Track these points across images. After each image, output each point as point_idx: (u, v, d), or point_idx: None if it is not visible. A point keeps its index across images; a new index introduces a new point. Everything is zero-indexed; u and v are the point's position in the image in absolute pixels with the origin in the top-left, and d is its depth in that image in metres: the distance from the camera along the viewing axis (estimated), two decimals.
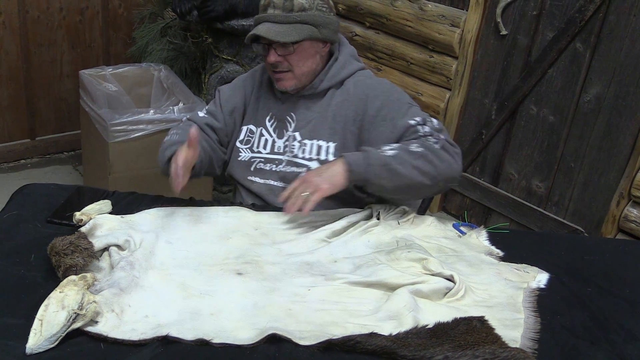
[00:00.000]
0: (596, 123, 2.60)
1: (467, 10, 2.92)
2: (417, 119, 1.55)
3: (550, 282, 1.35)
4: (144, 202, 1.50)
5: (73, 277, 1.14)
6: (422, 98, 3.14)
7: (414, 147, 1.46)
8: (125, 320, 1.10)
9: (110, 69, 2.84)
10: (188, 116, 1.74)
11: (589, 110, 2.61)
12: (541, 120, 2.79)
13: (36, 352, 1.01)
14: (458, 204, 3.25)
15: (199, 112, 1.72)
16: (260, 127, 1.68)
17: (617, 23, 2.45)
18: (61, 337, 1.03)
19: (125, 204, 1.48)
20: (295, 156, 1.62)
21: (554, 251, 1.50)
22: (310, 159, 1.61)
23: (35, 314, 1.07)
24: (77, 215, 1.37)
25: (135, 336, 1.06)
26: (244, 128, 1.69)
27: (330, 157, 1.59)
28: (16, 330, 1.05)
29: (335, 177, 1.43)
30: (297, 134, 1.63)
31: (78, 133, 3.06)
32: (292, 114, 1.65)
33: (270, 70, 1.61)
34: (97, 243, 1.27)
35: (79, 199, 1.47)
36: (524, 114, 2.85)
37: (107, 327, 1.08)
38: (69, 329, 1.04)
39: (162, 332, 1.07)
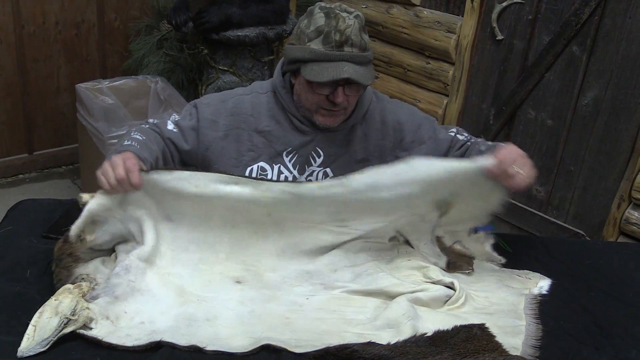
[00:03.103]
0: (595, 126, 2.59)
1: (462, 16, 2.92)
2: (453, 130, 1.63)
3: (552, 287, 1.34)
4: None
5: (69, 285, 1.15)
6: (420, 105, 3.13)
7: (490, 142, 1.55)
8: (120, 326, 1.10)
9: (107, 82, 2.83)
10: (156, 122, 1.54)
11: (587, 114, 2.60)
12: (539, 124, 2.78)
13: (27, 355, 1.02)
14: None
15: (167, 122, 1.52)
16: (278, 165, 1.53)
17: (613, 25, 2.45)
18: (52, 341, 1.04)
19: None
20: None
21: (555, 256, 1.49)
22: None
23: None
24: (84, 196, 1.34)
25: (129, 342, 1.06)
26: (254, 167, 1.52)
27: None
28: (12, 348, 1.04)
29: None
30: (328, 170, 1.55)
31: (76, 147, 3.05)
32: (318, 148, 1.54)
33: (319, 107, 1.46)
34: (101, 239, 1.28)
35: (76, 214, 1.45)
36: (522, 118, 2.84)
37: (102, 332, 1.08)
38: (61, 334, 1.05)
39: (156, 337, 1.07)
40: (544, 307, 1.27)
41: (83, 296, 1.13)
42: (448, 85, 3.03)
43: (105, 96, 2.72)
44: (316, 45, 1.39)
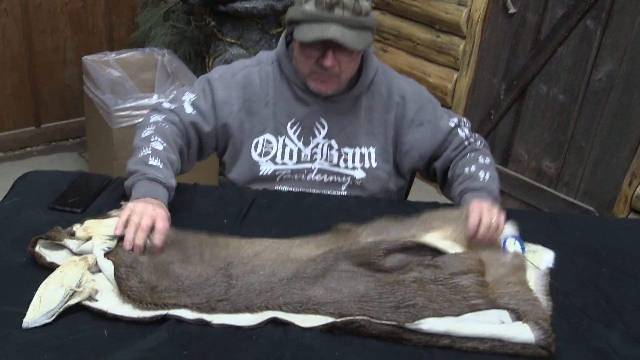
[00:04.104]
0: (607, 101, 2.55)
1: None
2: (455, 120, 1.59)
3: (562, 263, 1.32)
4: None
5: (75, 257, 1.14)
6: (430, 79, 3.09)
7: (482, 159, 1.52)
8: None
9: (114, 55, 2.81)
10: (173, 107, 1.49)
11: (600, 89, 2.56)
12: (551, 99, 2.74)
13: (32, 326, 1.02)
14: None
15: (184, 105, 1.49)
16: (283, 136, 1.52)
17: None
18: (57, 313, 1.04)
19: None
20: (336, 165, 1.54)
21: (566, 232, 1.47)
22: (354, 168, 1.54)
23: None
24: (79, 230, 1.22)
25: (135, 314, 1.06)
26: (260, 139, 1.52)
27: (374, 164, 1.55)
28: (18, 319, 1.03)
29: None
30: (332, 142, 1.53)
31: (83, 120, 3.04)
32: (322, 119, 1.52)
33: (311, 72, 1.44)
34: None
35: (82, 186, 1.45)
36: (533, 93, 2.81)
37: (108, 304, 1.07)
38: (66, 305, 1.04)
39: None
40: (554, 283, 1.26)
41: (89, 268, 1.12)
42: (458, 59, 2.99)
43: (112, 69, 2.70)
44: (309, 7, 1.37)
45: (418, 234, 1.29)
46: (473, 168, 1.48)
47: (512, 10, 2.76)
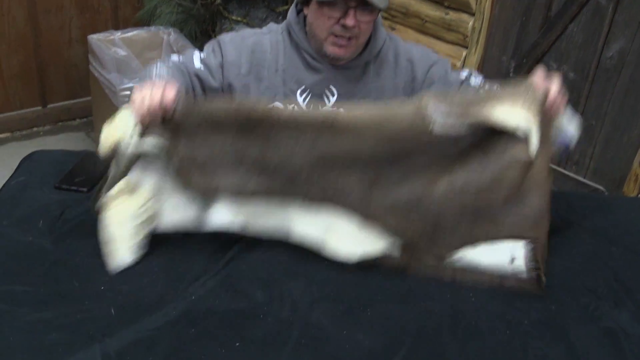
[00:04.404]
0: (619, 79, 2.51)
1: None
2: (464, 72, 1.57)
3: (571, 242, 1.31)
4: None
5: (117, 195, 1.15)
6: None
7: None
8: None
9: (119, 33, 2.79)
10: (181, 59, 1.49)
11: (611, 66, 2.53)
12: (561, 77, 2.70)
13: (120, 269, 1.11)
14: None
15: (194, 59, 1.49)
16: (292, 104, 1.49)
17: None
18: (136, 249, 1.13)
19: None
20: None
21: (577, 210, 1.45)
22: None
23: (45, 282, 1.07)
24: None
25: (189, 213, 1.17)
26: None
27: None
28: (26, 298, 1.04)
29: None
30: (342, 110, 1.55)
31: (90, 99, 3.03)
32: (332, 86, 1.51)
33: (329, 34, 1.42)
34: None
35: (88, 165, 1.45)
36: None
37: (170, 219, 1.16)
38: (138, 238, 1.13)
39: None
40: (564, 262, 1.25)
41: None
42: (467, 37, 2.94)
43: (117, 48, 2.68)
44: None
45: (486, 107, 1.18)
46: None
47: None
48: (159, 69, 1.41)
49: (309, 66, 1.50)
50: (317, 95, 1.51)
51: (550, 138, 1.24)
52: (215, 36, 2.79)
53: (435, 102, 1.16)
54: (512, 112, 1.16)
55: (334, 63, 1.49)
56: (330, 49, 1.44)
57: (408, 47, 1.58)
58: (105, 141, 1.16)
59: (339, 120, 1.18)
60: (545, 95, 1.22)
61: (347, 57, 1.46)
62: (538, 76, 1.27)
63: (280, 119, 1.18)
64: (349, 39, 1.42)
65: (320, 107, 1.50)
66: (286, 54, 1.51)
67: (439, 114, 1.14)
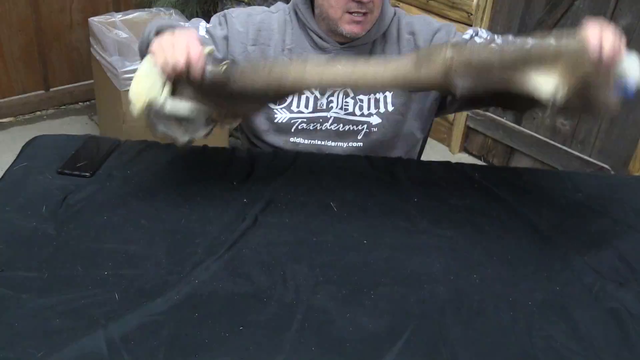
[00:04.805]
0: None
1: None
2: (469, 32, 1.51)
3: (575, 222, 1.30)
4: (156, 150, 1.46)
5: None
6: None
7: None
8: None
9: (120, 16, 2.77)
10: (187, 25, 1.46)
11: None
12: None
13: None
14: (480, 144, 3.18)
15: (200, 27, 1.46)
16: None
17: None
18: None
19: (135, 153, 1.44)
20: (352, 113, 1.51)
21: (582, 190, 1.44)
22: (370, 114, 1.52)
23: (48, 267, 1.07)
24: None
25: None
26: None
27: (390, 107, 1.51)
28: (29, 284, 1.04)
29: None
30: (348, 90, 1.51)
31: (92, 82, 3.02)
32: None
33: (345, 11, 1.39)
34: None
35: (90, 149, 1.44)
36: None
37: None
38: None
39: None
40: (567, 241, 1.24)
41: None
42: (472, 14, 2.91)
43: (118, 30, 2.67)
44: None
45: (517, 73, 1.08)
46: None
47: None
48: (168, 20, 1.37)
49: (316, 46, 1.49)
50: None
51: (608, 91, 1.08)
52: None
53: (460, 67, 1.08)
54: (548, 81, 1.05)
55: (346, 42, 1.47)
56: (347, 28, 1.42)
57: (410, 19, 1.55)
58: (137, 103, 1.11)
59: (363, 79, 1.15)
60: (596, 53, 1.05)
61: (363, 32, 1.45)
62: (590, 29, 1.09)
63: (310, 85, 1.20)
64: (365, 14, 1.40)
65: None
66: (294, 33, 1.50)
67: (462, 80, 1.07)
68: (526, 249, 1.23)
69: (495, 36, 1.50)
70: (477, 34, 1.52)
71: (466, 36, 1.52)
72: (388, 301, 1.07)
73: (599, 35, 1.07)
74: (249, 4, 2.67)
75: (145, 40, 1.36)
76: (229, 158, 1.46)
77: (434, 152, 3.03)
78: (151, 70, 1.12)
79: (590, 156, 2.72)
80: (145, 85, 1.11)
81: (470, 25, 2.93)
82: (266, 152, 1.51)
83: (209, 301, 1.03)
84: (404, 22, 1.54)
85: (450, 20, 3.00)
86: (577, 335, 1.02)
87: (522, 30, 2.79)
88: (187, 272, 1.09)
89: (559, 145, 2.82)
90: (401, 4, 3.18)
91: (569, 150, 2.79)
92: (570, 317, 1.06)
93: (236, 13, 1.52)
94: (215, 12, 2.80)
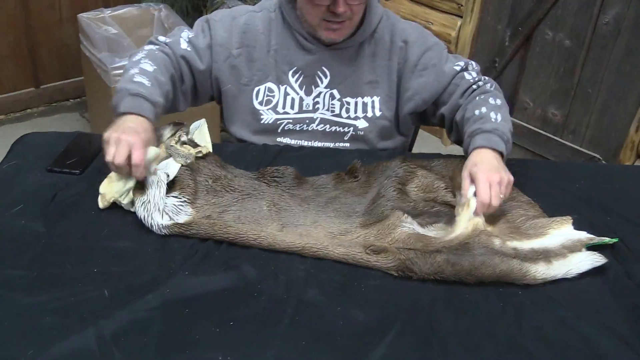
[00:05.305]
0: (615, 46, 2.49)
1: None
2: (460, 63, 1.51)
3: (567, 212, 1.29)
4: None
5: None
6: (433, 27, 3.02)
7: (492, 100, 1.42)
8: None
9: (109, 11, 2.75)
10: (168, 40, 1.47)
11: (607, 33, 2.50)
12: (557, 45, 2.68)
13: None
14: None
15: (180, 40, 1.46)
16: (284, 85, 1.49)
17: None
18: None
19: None
20: (338, 115, 1.51)
21: (572, 180, 1.45)
22: (356, 118, 1.51)
23: (38, 265, 1.07)
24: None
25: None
26: (261, 87, 1.49)
27: (377, 113, 1.51)
28: (19, 282, 1.03)
29: (503, 167, 1.28)
30: (334, 92, 1.49)
31: (82, 79, 3.01)
32: (324, 68, 1.48)
33: (322, 21, 1.39)
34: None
35: (80, 146, 1.44)
36: (538, 39, 2.74)
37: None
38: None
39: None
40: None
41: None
42: (462, 5, 2.91)
43: (108, 26, 2.65)
44: None
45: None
46: (484, 110, 1.39)
47: None
48: (143, 61, 1.38)
49: (301, 47, 1.47)
50: (309, 76, 1.49)
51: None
52: (206, 12, 2.75)
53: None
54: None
55: (328, 44, 1.46)
56: (325, 34, 1.42)
57: (405, 26, 1.53)
58: (101, 200, 1.24)
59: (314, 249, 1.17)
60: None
61: (342, 38, 1.44)
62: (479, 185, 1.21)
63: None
64: (342, 22, 1.39)
65: (313, 88, 1.48)
66: (279, 34, 1.48)
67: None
68: None
69: (481, 80, 1.49)
70: (467, 69, 1.50)
71: (457, 67, 1.50)
72: (378, 294, 1.07)
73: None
74: None
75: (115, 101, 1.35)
76: (219, 153, 1.45)
77: (426, 144, 3.03)
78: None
79: (581, 146, 2.73)
80: (113, 187, 1.22)
81: (461, 16, 2.93)
82: (255, 145, 1.50)
83: (199, 297, 1.03)
84: (399, 27, 1.51)
85: (441, 11, 3.00)
86: (566, 324, 1.03)
87: (513, 21, 2.79)
88: (176, 268, 1.09)
89: (551, 135, 2.83)
90: None
91: (560, 140, 2.79)
92: (560, 306, 1.07)
93: (219, 16, 1.50)
94: (205, 6, 2.79)
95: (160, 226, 1.16)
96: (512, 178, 1.25)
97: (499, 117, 1.38)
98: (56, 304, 0.99)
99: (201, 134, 1.36)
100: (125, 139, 1.19)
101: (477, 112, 1.39)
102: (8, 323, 0.95)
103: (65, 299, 1.00)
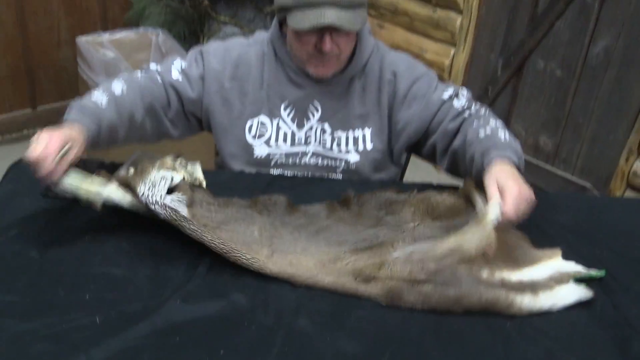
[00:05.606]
0: (605, 77, 2.53)
1: None
2: (449, 91, 1.50)
3: (555, 243, 1.31)
4: None
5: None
6: (427, 55, 3.07)
7: (493, 122, 1.41)
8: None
9: (108, 35, 2.79)
10: (160, 69, 1.49)
11: (597, 64, 2.54)
12: (548, 75, 2.72)
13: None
14: None
15: (172, 69, 1.48)
16: (277, 119, 1.50)
17: None
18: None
19: None
20: (329, 149, 1.52)
21: (560, 211, 1.47)
22: (347, 152, 1.52)
23: (31, 291, 1.07)
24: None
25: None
26: (254, 121, 1.50)
27: (369, 145, 1.52)
28: (12, 308, 1.04)
29: (521, 178, 1.25)
30: (325, 125, 1.50)
31: None
32: (316, 102, 1.50)
33: (310, 58, 1.41)
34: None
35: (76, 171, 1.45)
36: (530, 69, 2.79)
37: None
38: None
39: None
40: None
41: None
42: (455, 34, 2.96)
43: (106, 50, 2.68)
44: None
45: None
46: (489, 130, 1.36)
47: None
48: (116, 82, 1.42)
49: (292, 81, 1.49)
50: (301, 110, 1.50)
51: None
52: (203, 37, 2.79)
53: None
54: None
55: (318, 80, 1.47)
56: (313, 70, 1.43)
57: (394, 58, 1.54)
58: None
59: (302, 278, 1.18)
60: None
61: (331, 74, 1.45)
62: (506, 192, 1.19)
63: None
64: (330, 58, 1.41)
65: (305, 122, 1.50)
66: (271, 68, 1.49)
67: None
68: None
69: (472, 106, 1.48)
70: (457, 96, 1.50)
71: (446, 95, 1.50)
72: (368, 324, 1.08)
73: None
74: (235, 24, 2.70)
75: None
76: (212, 181, 1.47)
77: (419, 170, 3.05)
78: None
79: (572, 175, 2.76)
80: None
81: (454, 45, 2.97)
82: (248, 174, 1.52)
83: (190, 325, 1.04)
84: (388, 60, 1.52)
85: (435, 40, 3.05)
86: (554, 357, 1.04)
87: (505, 50, 2.83)
88: (168, 295, 1.10)
89: (542, 164, 2.86)
90: (386, 23, 3.22)
91: (552, 169, 2.83)
92: (547, 337, 1.08)
93: (213, 48, 1.52)
94: (202, 31, 2.83)
95: (163, 205, 1.15)
96: (534, 197, 1.21)
97: (507, 136, 1.37)
98: (48, 330, 1.00)
99: (196, 173, 1.38)
100: (45, 134, 1.19)
101: (482, 134, 1.37)
102: (0, 349, 0.96)
103: (58, 325, 1.01)
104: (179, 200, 1.20)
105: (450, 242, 1.17)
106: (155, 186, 1.19)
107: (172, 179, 1.23)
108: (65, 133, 1.22)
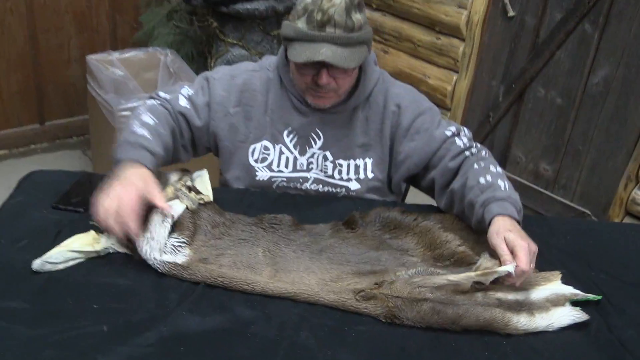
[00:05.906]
0: (604, 105, 2.57)
1: None
2: (452, 129, 1.53)
3: (553, 267, 1.34)
4: None
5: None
6: (429, 81, 3.12)
7: (493, 168, 1.44)
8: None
9: (117, 54, 2.84)
10: (168, 97, 1.52)
11: (597, 93, 2.59)
12: (549, 102, 2.77)
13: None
14: None
15: (179, 97, 1.51)
16: (279, 144, 1.53)
17: (626, 3, 2.42)
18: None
19: None
20: (331, 176, 1.54)
21: (558, 235, 1.49)
22: (348, 179, 1.54)
23: (40, 299, 1.10)
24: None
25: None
26: (257, 145, 1.53)
27: (370, 174, 1.54)
28: (22, 315, 1.07)
29: (524, 232, 1.28)
30: (327, 153, 1.53)
31: (87, 118, 3.07)
32: (318, 130, 1.52)
33: (308, 88, 1.45)
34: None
35: (85, 185, 1.48)
36: (531, 96, 2.83)
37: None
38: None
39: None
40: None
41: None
42: (458, 61, 3.01)
43: (115, 68, 2.73)
44: (301, 24, 1.36)
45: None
46: (489, 177, 1.39)
47: (511, 13, 2.78)
48: (144, 114, 1.44)
49: (296, 108, 1.52)
50: (304, 137, 1.53)
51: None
52: (211, 58, 2.84)
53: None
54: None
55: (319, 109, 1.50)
56: (311, 99, 1.47)
57: (399, 90, 1.56)
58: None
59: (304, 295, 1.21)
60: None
61: (329, 105, 1.48)
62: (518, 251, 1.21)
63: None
64: (327, 91, 1.44)
65: (307, 149, 1.53)
66: (275, 93, 1.53)
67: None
68: None
69: (473, 146, 1.51)
70: (458, 134, 1.52)
71: (448, 132, 1.52)
72: (368, 339, 1.10)
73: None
74: (242, 47, 2.75)
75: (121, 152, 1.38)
76: (218, 198, 1.50)
77: (420, 194, 3.08)
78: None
79: (572, 201, 2.79)
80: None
81: (457, 72, 3.03)
82: (253, 191, 1.55)
83: (195, 335, 1.06)
84: (392, 91, 1.54)
85: (437, 66, 3.10)
86: None
87: (507, 77, 2.89)
88: (173, 306, 1.12)
89: (542, 190, 2.89)
90: (391, 49, 3.28)
91: (551, 194, 2.86)
92: (542, 358, 1.10)
93: (219, 75, 1.55)
94: (210, 53, 2.88)
95: (160, 262, 1.20)
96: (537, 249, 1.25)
97: (507, 185, 1.39)
98: (57, 337, 1.03)
99: (202, 182, 1.41)
100: (123, 213, 1.19)
101: (482, 180, 1.38)
102: (9, 355, 0.99)
103: (66, 333, 1.04)
104: (179, 245, 1.23)
105: (449, 277, 1.21)
106: (154, 239, 1.21)
107: (172, 218, 1.26)
108: (138, 186, 1.24)
